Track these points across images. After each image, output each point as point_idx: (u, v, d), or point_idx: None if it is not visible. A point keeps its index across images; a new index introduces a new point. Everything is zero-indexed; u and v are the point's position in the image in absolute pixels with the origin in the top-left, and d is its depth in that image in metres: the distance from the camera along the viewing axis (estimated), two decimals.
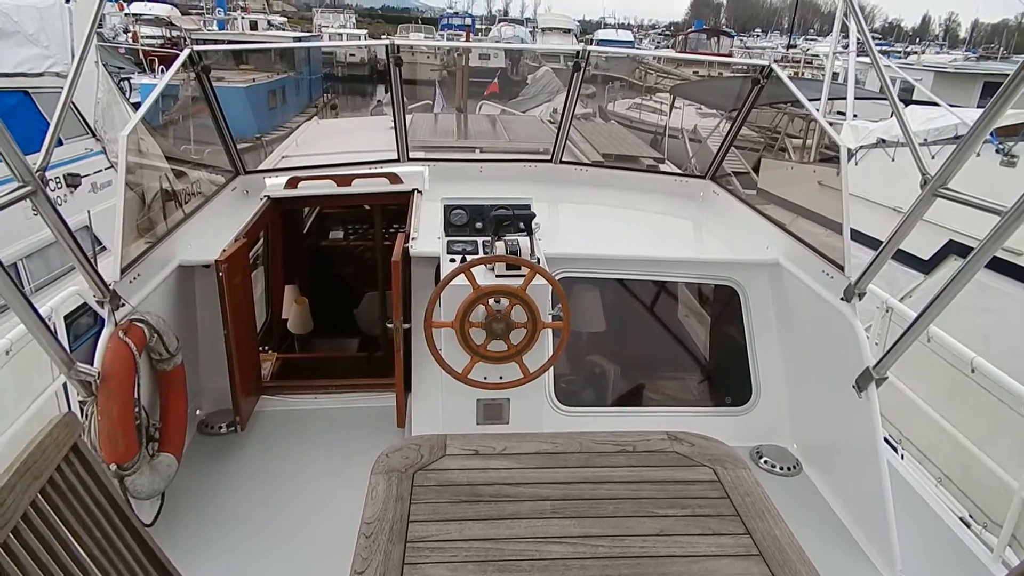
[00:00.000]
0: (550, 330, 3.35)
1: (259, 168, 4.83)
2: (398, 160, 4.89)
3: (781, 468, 3.62)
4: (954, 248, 6.49)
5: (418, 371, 3.80)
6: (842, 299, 3.20)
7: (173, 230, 3.57)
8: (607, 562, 1.72)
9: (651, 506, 1.93)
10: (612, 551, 1.75)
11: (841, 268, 3.23)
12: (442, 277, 3.25)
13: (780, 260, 3.79)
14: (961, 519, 3.48)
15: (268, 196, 4.44)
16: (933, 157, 6.72)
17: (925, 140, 6.93)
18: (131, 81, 17.03)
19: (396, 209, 4.72)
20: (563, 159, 4.96)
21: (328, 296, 6.23)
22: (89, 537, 1.66)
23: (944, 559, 3.13)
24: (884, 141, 7.40)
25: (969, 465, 4.03)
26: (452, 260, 3.46)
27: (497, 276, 3.31)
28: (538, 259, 3.38)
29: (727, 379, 4.09)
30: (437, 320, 3.18)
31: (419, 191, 4.56)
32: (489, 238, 3.73)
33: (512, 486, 1.98)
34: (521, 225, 3.82)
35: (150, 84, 14.55)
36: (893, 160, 7.25)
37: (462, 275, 3.10)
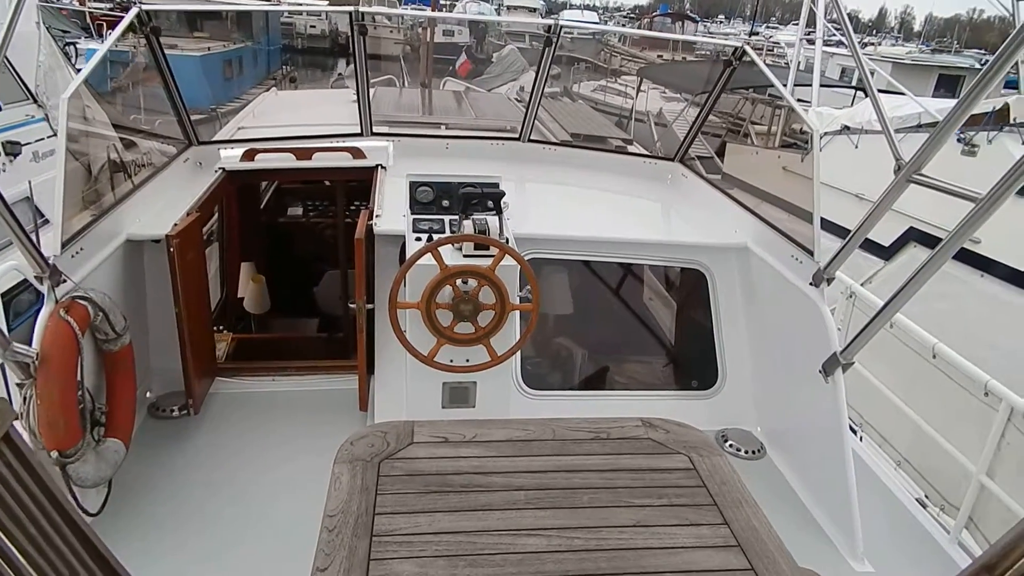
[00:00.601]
0: (518, 312, 3.27)
1: (213, 139, 4.60)
2: (361, 134, 4.71)
3: (746, 452, 3.63)
4: (914, 235, 6.61)
5: (381, 353, 3.67)
6: (811, 284, 3.19)
7: (120, 202, 3.36)
8: (584, 555, 1.65)
9: (627, 496, 1.87)
10: (588, 543, 1.69)
11: (811, 253, 3.22)
12: (408, 256, 3.13)
13: (748, 244, 3.77)
14: (918, 500, 3.54)
15: (223, 168, 4.23)
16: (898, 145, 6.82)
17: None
18: (77, 46, 16.18)
19: (358, 185, 4.55)
20: (531, 138, 4.85)
21: (286, 275, 6.03)
22: (21, 533, 1.52)
23: (903, 541, 3.17)
24: (848, 128, 7.47)
25: (928, 450, 4.10)
26: (418, 239, 3.35)
27: (465, 256, 3.20)
28: (507, 239, 3.28)
29: (694, 363, 4.08)
30: (402, 301, 3.06)
31: (383, 167, 4.40)
32: (456, 217, 3.61)
33: (483, 475, 1.90)
34: (489, 204, 3.70)
35: (97, 49, 13.81)
36: (857, 147, 7.33)
37: (428, 255, 2.98)
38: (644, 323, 4.40)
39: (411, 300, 3.06)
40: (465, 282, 3.09)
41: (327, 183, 5.96)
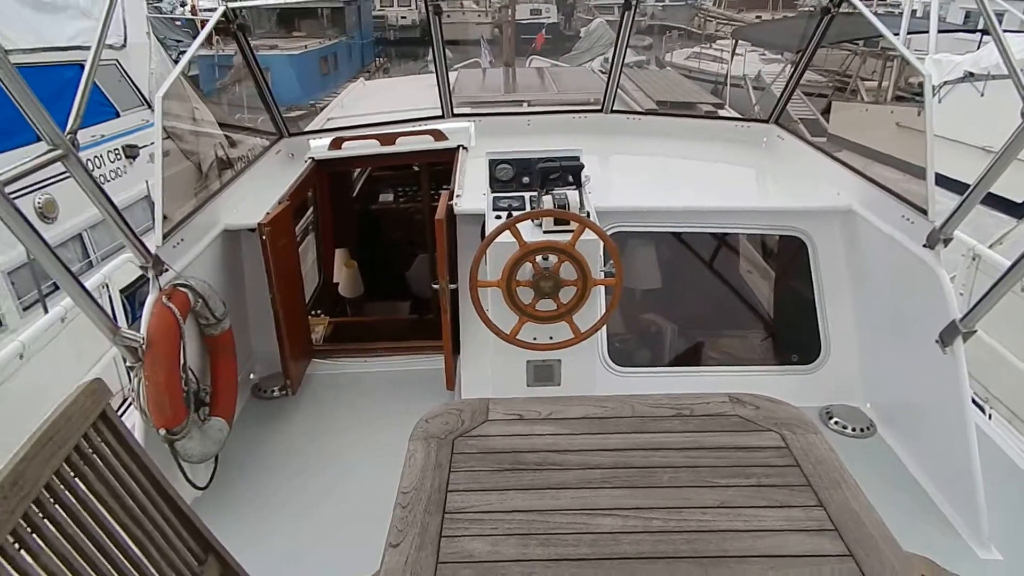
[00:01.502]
0: (602, 288, 3.17)
1: (304, 130, 4.75)
2: (442, 116, 4.73)
3: (853, 429, 3.38)
4: None
5: (466, 332, 3.69)
6: (925, 246, 2.90)
7: (217, 194, 3.53)
8: (661, 536, 1.57)
9: (711, 475, 1.77)
10: (667, 524, 1.60)
11: (924, 212, 2.92)
12: (487, 234, 3.10)
13: (854, 207, 3.48)
14: None
15: (312, 158, 4.36)
16: None
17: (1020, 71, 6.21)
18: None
19: (443, 169, 4.58)
20: (615, 108, 4.69)
21: (379, 260, 6.20)
22: (121, 507, 1.61)
23: None
24: (973, 75, 6.69)
25: None
26: (498, 217, 3.31)
27: (545, 232, 3.14)
28: (588, 213, 3.19)
29: (793, 335, 3.84)
30: (483, 280, 3.05)
31: (464, 147, 4.40)
32: (536, 193, 3.55)
33: (558, 453, 1.84)
34: (570, 178, 3.62)
35: (208, 56, 14.76)
36: (983, 95, 6.56)
37: (508, 232, 2.94)
38: (739, 295, 4.19)
39: (492, 279, 3.04)
40: (546, 258, 3.03)
41: (415, 168, 6.04)
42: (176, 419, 2.69)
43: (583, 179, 3.38)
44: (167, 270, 2.85)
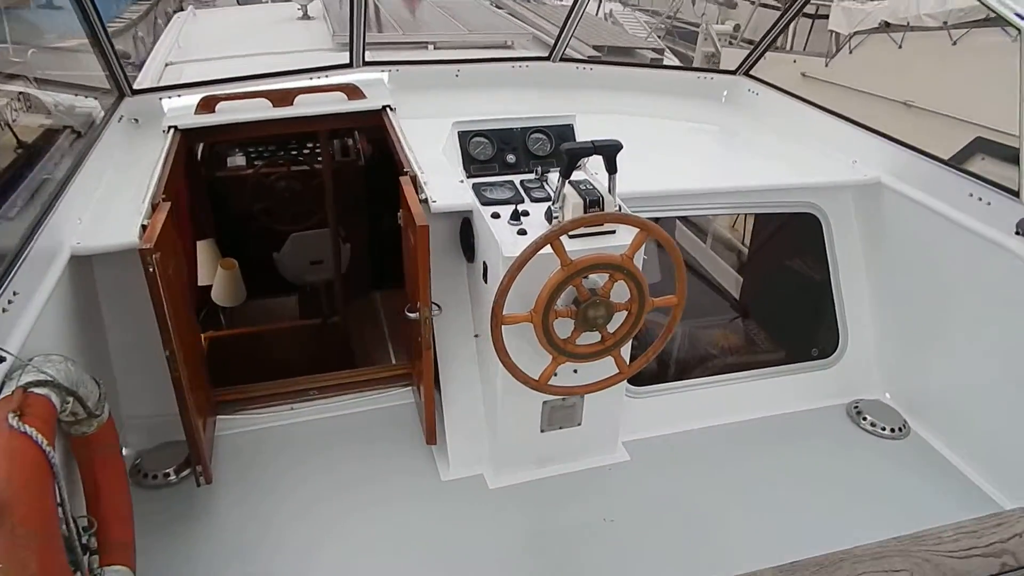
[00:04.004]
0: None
1: (153, 86, 3.35)
2: (350, 65, 3.57)
3: (885, 428, 3.02)
4: None
5: (447, 368, 2.78)
6: (1017, 233, 2.48)
7: (53, 204, 2.24)
8: None
9: None
10: None
11: (1014, 194, 2.50)
12: (479, 240, 2.32)
13: (883, 179, 3.02)
14: None
15: (175, 127, 3.06)
16: (954, 43, 6.06)
17: (944, 23, 6.25)
18: None
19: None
20: (564, 56, 3.84)
21: (237, 240, 4.93)
22: None
23: None
24: (889, 25, 6.60)
25: None
26: (496, 216, 2.42)
27: (568, 237, 2.31)
28: (619, 207, 2.40)
29: (810, 327, 3.39)
30: (510, 314, 2.17)
31: (390, 108, 3.34)
32: (532, 176, 2.70)
33: None
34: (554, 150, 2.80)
35: None
36: (900, 47, 6.50)
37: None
38: (745, 284, 3.65)
39: (506, 307, 2.17)
40: (585, 277, 2.22)
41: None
42: None
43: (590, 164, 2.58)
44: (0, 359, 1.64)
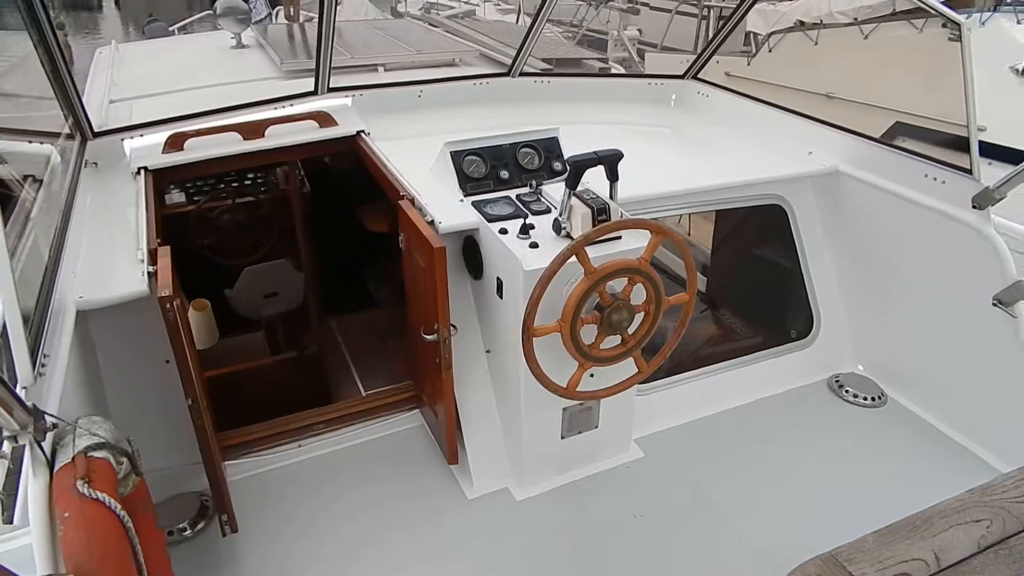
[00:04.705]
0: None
1: (103, 127, 3.19)
2: (315, 93, 3.53)
3: (866, 398, 3.25)
4: None
5: (463, 387, 2.79)
6: (974, 207, 2.73)
7: (58, 260, 2.13)
8: None
9: None
10: None
11: (967, 171, 2.75)
12: (488, 257, 2.34)
13: (840, 167, 3.25)
14: None
15: (144, 168, 2.95)
16: (866, 37, 6.54)
17: (855, 19, 6.72)
18: None
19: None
20: (523, 70, 3.92)
21: (186, 278, 4.75)
22: None
23: None
24: (804, 23, 7.07)
25: None
26: (503, 231, 2.48)
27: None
28: (621, 214, 2.50)
29: (784, 311, 3.59)
30: (540, 325, 2.22)
31: (365, 133, 3.33)
32: (526, 190, 2.76)
33: None
34: (555, 167, 2.88)
35: None
36: (816, 44, 6.96)
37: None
38: (721, 276, 3.83)
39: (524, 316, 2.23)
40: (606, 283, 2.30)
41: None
42: None
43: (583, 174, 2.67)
44: (51, 427, 1.56)
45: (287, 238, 4.81)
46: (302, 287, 4.90)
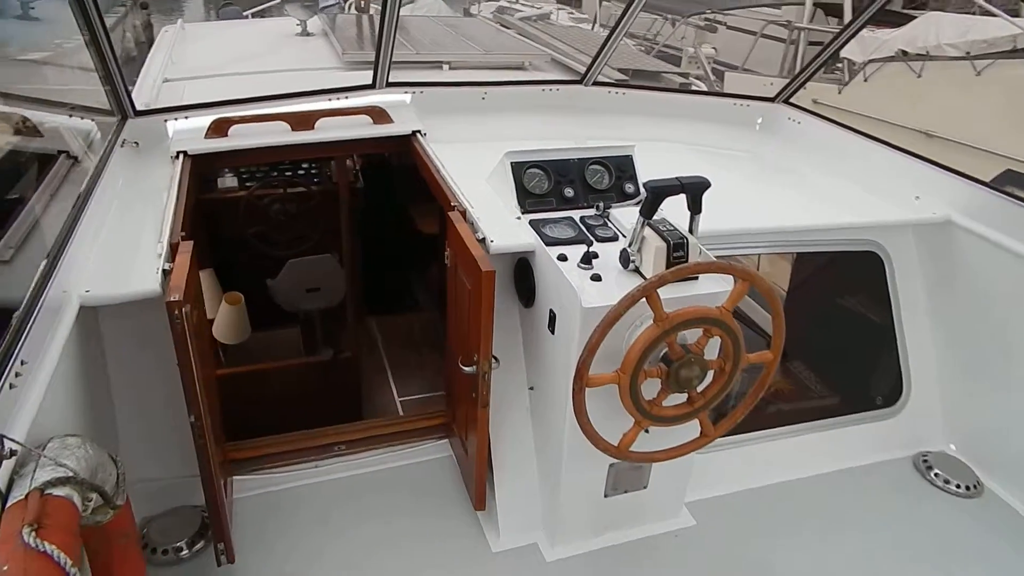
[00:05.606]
0: None
1: (155, 107, 3.01)
2: (373, 86, 3.29)
3: (959, 486, 2.80)
4: None
5: (495, 426, 2.49)
6: None
7: (62, 249, 1.91)
8: None
9: None
10: None
11: None
12: (542, 285, 2.07)
13: (954, 217, 2.83)
14: None
15: (184, 152, 2.75)
16: (978, 73, 5.99)
17: (967, 53, 6.18)
18: None
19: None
20: (598, 80, 3.61)
21: (238, 272, 4.60)
22: None
23: None
24: (906, 54, 6.49)
25: None
26: (562, 258, 2.16)
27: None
28: (700, 251, 2.16)
29: (871, 372, 3.18)
30: (596, 374, 1.89)
31: (421, 133, 3.07)
32: (592, 211, 2.45)
33: None
34: (627, 189, 2.55)
35: None
36: (920, 76, 6.40)
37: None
38: (796, 324, 3.42)
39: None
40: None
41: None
42: None
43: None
44: (8, 454, 1.31)
45: (335, 232, 4.63)
46: (344, 284, 4.71)
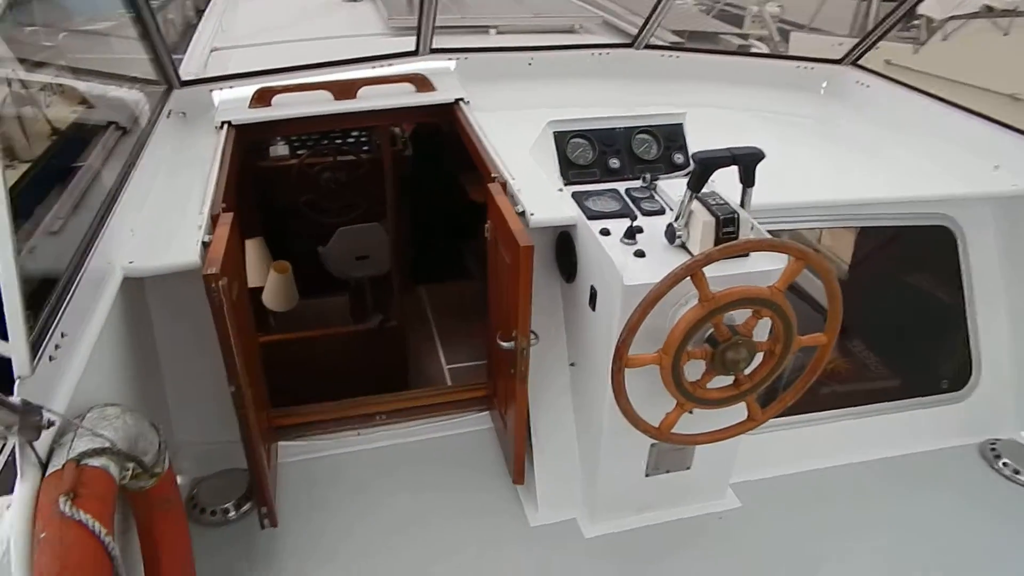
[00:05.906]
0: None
1: (201, 76, 3.03)
2: (416, 53, 3.23)
3: None
4: None
5: (535, 402, 2.45)
6: None
7: (105, 218, 1.94)
8: None
9: None
10: None
11: None
12: (583, 260, 2.03)
13: None
14: None
15: (228, 122, 2.76)
16: None
17: None
18: None
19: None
20: (649, 42, 3.45)
21: (281, 232, 4.68)
22: None
23: None
24: (991, 9, 5.98)
25: None
26: (605, 232, 2.08)
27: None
28: (752, 226, 2.03)
29: (937, 353, 3.00)
30: (636, 355, 1.82)
31: (464, 101, 3.00)
32: (638, 183, 2.34)
33: None
34: (677, 159, 2.43)
35: None
36: (1007, 35, 5.90)
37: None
38: (857, 300, 3.25)
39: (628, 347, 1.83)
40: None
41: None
42: None
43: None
44: (47, 423, 1.33)
45: (382, 201, 4.65)
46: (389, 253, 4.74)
